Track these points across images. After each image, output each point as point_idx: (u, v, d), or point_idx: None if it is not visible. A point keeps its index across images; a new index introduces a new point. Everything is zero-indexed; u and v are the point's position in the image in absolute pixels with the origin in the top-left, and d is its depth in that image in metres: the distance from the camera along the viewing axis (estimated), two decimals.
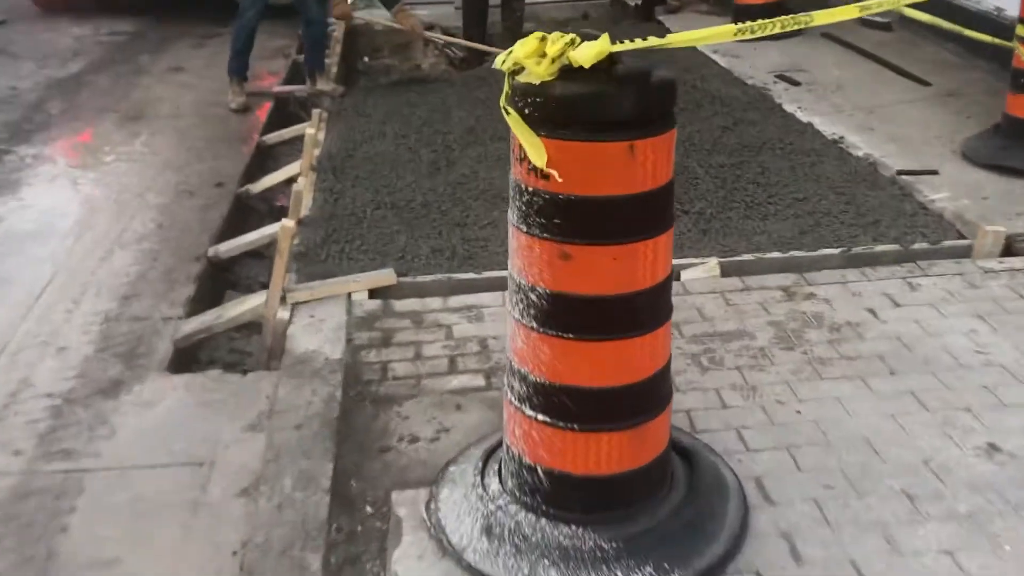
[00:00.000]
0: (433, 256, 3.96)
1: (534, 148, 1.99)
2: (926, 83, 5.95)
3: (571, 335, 2.10)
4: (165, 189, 5.08)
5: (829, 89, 6.07)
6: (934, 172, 4.63)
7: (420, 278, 3.77)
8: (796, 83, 6.23)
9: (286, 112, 6.73)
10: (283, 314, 3.52)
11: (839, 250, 3.88)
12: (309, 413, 2.93)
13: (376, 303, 3.61)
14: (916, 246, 3.89)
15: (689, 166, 4.83)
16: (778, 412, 2.83)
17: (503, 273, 3.94)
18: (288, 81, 7.09)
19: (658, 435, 2.27)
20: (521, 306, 2.17)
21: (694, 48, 7.13)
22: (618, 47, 1.93)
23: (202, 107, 6.50)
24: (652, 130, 2.01)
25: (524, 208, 2.08)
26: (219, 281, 4.34)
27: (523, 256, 2.13)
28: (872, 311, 3.42)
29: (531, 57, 1.98)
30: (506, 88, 2.06)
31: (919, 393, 2.89)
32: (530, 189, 2.05)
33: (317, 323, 3.45)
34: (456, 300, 3.62)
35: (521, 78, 2.01)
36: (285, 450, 2.78)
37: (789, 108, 5.72)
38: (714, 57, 6.95)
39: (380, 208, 4.47)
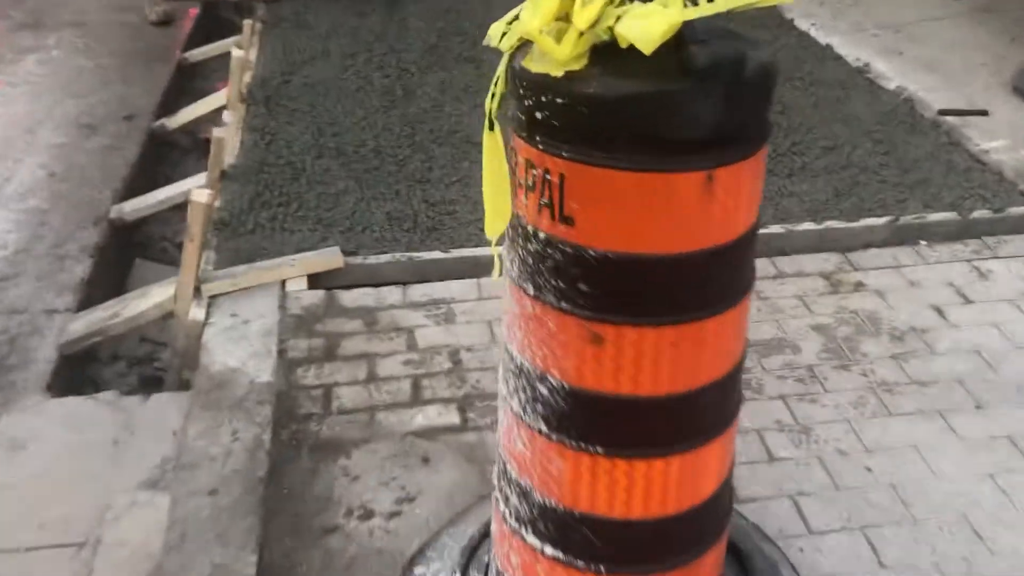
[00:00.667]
0: (390, 225, 3.19)
1: (495, 209, 1.26)
2: None
3: (600, 449, 1.39)
4: (62, 123, 4.19)
5: (846, 2, 5.25)
6: (983, 112, 3.91)
7: (373, 259, 3.01)
8: None
9: (217, 20, 5.76)
10: (197, 312, 2.75)
11: (885, 220, 3.18)
12: (227, 470, 2.21)
13: (318, 295, 2.85)
14: (977, 214, 3.21)
15: None
16: (843, 469, 2.18)
17: (478, 252, 3.09)
18: None
19: (712, 568, 1.60)
20: (522, 397, 1.44)
21: None
22: (695, 11, 1.16)
23: (114, 13, 5.49)
24: (741, 150, 1.26)
25: (532, 263, 1.34)
26: (125, 249, 3.54)
27: (528, 330, 1.39)
28: (938, 310, 2.76)
29: (548, 26, 1.21)
30: (499, 81, 1.30)
31: (1019, 440, 2.25)
32: (542, 236, 1.31)
33: (240, 326, 2.70)
34: (420, 291, 2.88)
35: (528, 63, 1.25)
36: (193, 530, 2.07)
37: (802, 25, 4.92)
38: None
39: (323, 155, 3.66)
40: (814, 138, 3.72)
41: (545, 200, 1.27)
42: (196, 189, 2.76)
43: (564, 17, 1.21)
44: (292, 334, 2.68)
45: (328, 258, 2.95)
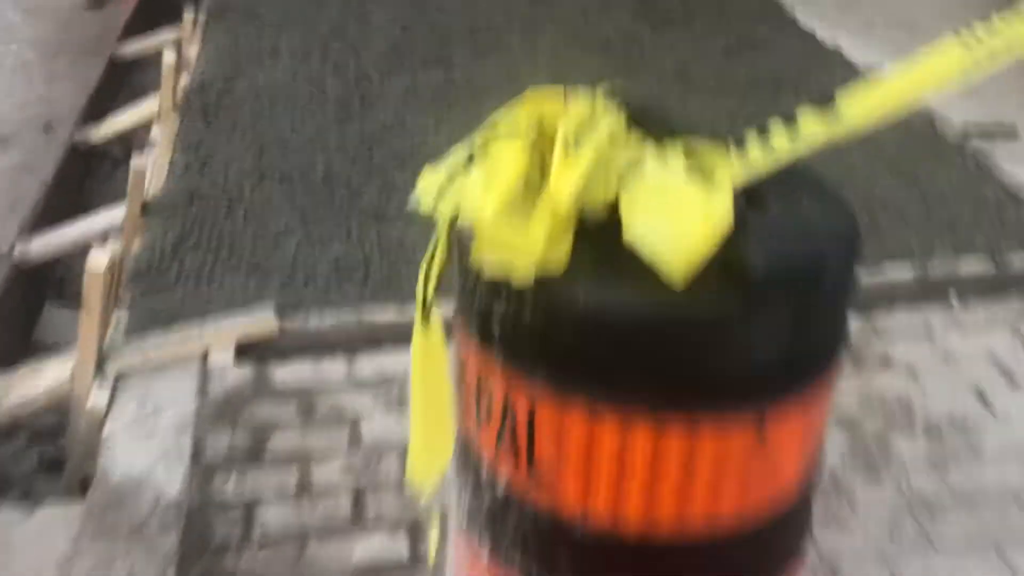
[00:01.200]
0: (337, 275, 2.73)
1: (427, 448, 0.83)
2: None
3: None
4: None
5: None
6: (1011, 131, 3.48)
7: (315, 320, 2.54)
8: None
9: (160, 4, 5.21)
10: (99, 396, 2.29)
11: (912, 271, 2.75)
12: None
13: (245, 372, 2.39)
14: (1018, 265, 2.79)
15: (690, 116, 3.59)
16: None
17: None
18: None
19: None
20: None
21: None
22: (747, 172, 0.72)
23: None
24: (805, 381, 0.81)
25: (495, 533, 0.88)
26: (32, 292, 3.06)
27: None
28: (980, 394, 2.34)
29: (505, 197, 0.76)
30: (437, 252, 0.86)
31: None
32: (515, 501, 0.85)
33: (150, 416, 2.24)
34: (369, 364, 2.43)
35: (483, 242, 0.81)
36: None
37: (806, 22, 4.45)
38: None
39: (265, 182, 3.17)
40: (827, 164, 3.27)
41: (506, 442, 0.83)
42: (94, 253, 2.27)
43: (537, 177, 0.76)
44: (211, 426, 2.22)
45: (260, 323, 2.49)
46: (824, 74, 3.95)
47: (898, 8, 4.57)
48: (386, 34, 4.32)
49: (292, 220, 2.96)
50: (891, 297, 2.71)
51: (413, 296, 2.55)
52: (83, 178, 3.72)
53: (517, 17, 4.44)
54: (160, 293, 2.64)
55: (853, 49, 4.17)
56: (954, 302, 2.67)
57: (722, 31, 4.29)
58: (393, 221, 2.98)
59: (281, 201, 3.06)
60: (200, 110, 3.61)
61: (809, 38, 4.30)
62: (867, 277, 2.71)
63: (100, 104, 4.03)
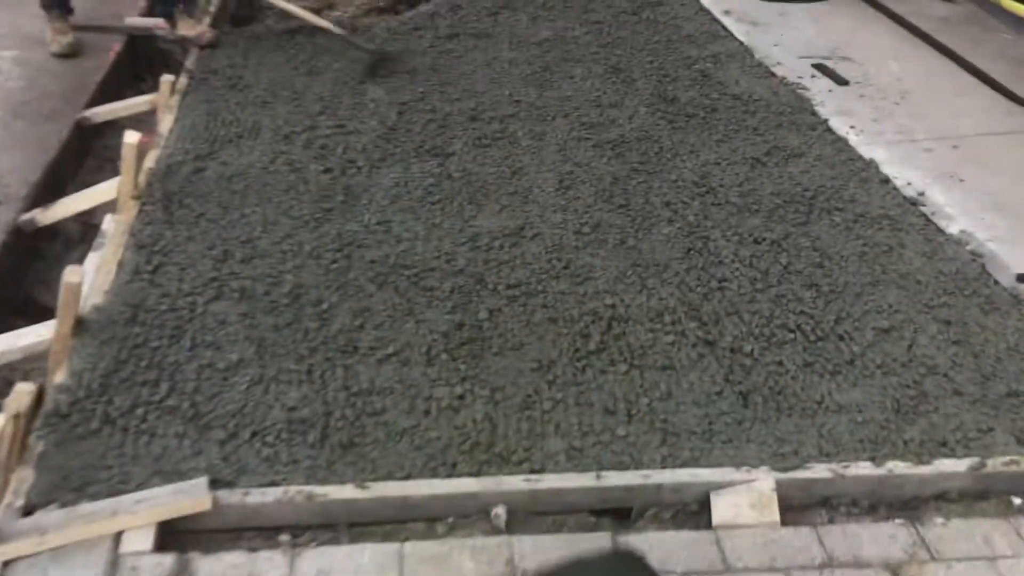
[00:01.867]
0: (289, 432, 2.31)
1: None
2: (1021, 101, 4.34)
3: None
4: None
5: (890, 96, 4.42)
6: None
7: (257, 494, 2.12)
8: (843, 81, 4.55)
9: (145, 60, 4.83)
10: None
11: (966, 463, 2.34)
12: None
13: (165, 563, 1.97)
14: None
15: (710, 236, 3.20)
16: None
17: (409, 490, 2.09)
18: (152, 11, 5.13)
19: None
20: None
21: (695, 1, 5.40)
22: None
23: (6, 40, 4.54)
24: None
25: None
26: None
27: None
28: None
29: None
30: None
31: None
32: None
33: None
34: (313, 559, 2.00)
35: None
36: None
37: (839, 127, 4.07)
38: (727, 22, 5.20)
39: (222, 297, 2.77)
40: (864, 311, 2.88)
41: None
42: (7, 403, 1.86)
43: None
44: None
45: (190, 497, 2.06)
46: (860, 191, 3.56)
47: (938, 118, 4.20)
48: (381, 115, 3.94)
49: (247, 351, 2.55)
50: (943, 493, 2.31)
51: (376, 468, 2.14)
52: (36, 257, 3.31)
53: (525, 106, 4.07)
54: (75, 444, 2.22)
55: (890, 163, 3.79)
56: (1020, 515, 2.26)
57: (749, 136, 3.91)
58: (365, 357, 2.57)
59: (237, 325, 2.65)
60: (162, 199, 3.21)
61: (843, 145, 3.92)
62: (914, 471, 2.30)
63: (58, 178, 3.63)
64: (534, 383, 2.51)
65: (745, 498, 2.22)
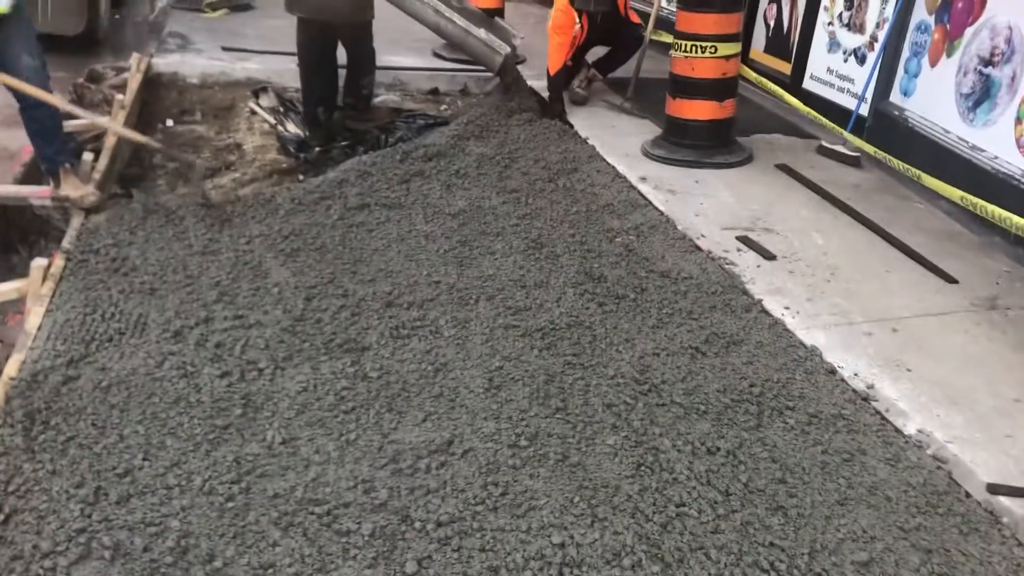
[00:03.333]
0: None
1: None
2: (950, 279, 4.27)
3: None
4: None
5: (819, 272, 4.29)
6: None
7: None
8: (770, 256, 4.42)
9: (18, 230, 4.36)
10: None
11: None
12: None
13: None
14: None
15: (660, 446, 2.88)
16: None
17: None
18: (28, 177, 4.69)
19: None
20: None
21: (610, 167, 5.28)
22: None
23: None
24: None
25: None
26: None
27: None
28: None
29: None
30: None
31: None
32: None
33: None
34: None
35: None
36: None
37: (774, 308, 3.89)
38: (644, 189, 5.08)
39: (88, 557, 2.27)
40: (839, 539, 2.57)
41: None
42: None
43: None
44: None
45: None
46: (808, 385, 3.33)
47: (872, 297, 4.07)
48: (286, 302, 3.55)
49: None
50: None
51: None
52: None
53: (445, 287, 3.75)
54: None
55: (832, 351, 3.60)
56: None
57: (684, 320, 3.68)
58: None
59: None
60: (23, 419, 2.71)
61: (780, 330, 3.72)
62: None
63: None
64: None
65: None
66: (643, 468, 2.80)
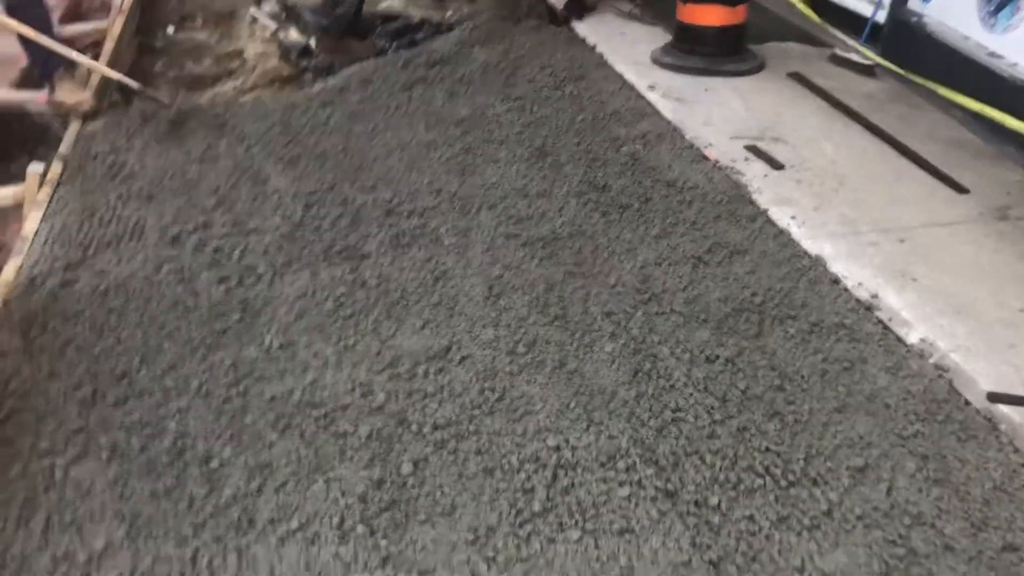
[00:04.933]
0: None
1: None
2: (961, 188, 4.19)
3: None
4: None
5: (827, 182, 4.21)
6: None
7: None
8: (778, 165, 4.33)
9: (17, 135, 4.30)
10: None
11: None
12: None
13: None
14: None
15: (658, 354, 2.87)
16: None
17: None
18: (25, 82, 4.60)
19: None
20: None
21: (617, 75, 5.15)
22: None
23: None
24: None
25: None
26: None
27: None
28: None
29: None
30: None
31: None
32: None
33: None
34: None
35: None
36: None
37: (780, 218, 3.83)
38: (652, 98, 4.96)
39: (86, 456, 2.28)
40: (835, 445, 2.57)
41: None
42: None
43: None
44: None
45: None
46: (811, 294, 3.30)
47: (879, 207, 4.00)
48: (285, 209, 3.51)
49: (115, 533, 2.07)
50: None
51: None
52: None
53: (447, 196, 3.70)
54: None
55: (837, 260, 3.55)
56: None
57: (688, 230, 3.62)
58: (263, 536, 2.12)
59: (105, 495, 2.17)
60: (20, 322, 2.71)
61: (786, 240, 3.66)
62: None
63: None
64: (471, 562, 2.11)
65: None
66: (640, 375, 2.79)
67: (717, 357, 2.89)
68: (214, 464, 2.29)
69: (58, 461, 2.24)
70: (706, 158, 4.30)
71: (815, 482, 2.43)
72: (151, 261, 3.10)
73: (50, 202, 3.40)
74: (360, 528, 2.16)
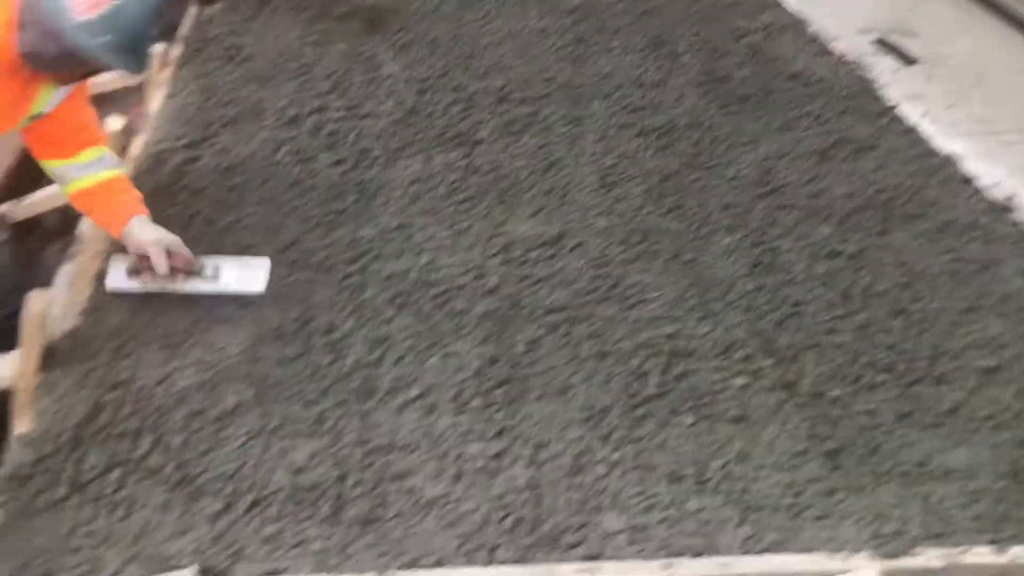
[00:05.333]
0: (296, 499, 1.93)
1: None
2: None
3: None
4: None
5: (963, 79, 3.96)
6: None
7: None
8: (910, 60, 4.09)
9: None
10: None
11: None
12: None
13: None
14: None
15: (778, 248, 2.79)
16: None
17: None
18: None
19: None
20: None
21: None
22: None
23: None
24: None
25: None
26: None
27: None
28: None
29: None
30: None
31: None
32: None
33: None
34: None
35: None
36: None
37: (910, 115, 3.63)
38: None
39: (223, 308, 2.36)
40: (964, 345, 2.47)
41: None
42: None
43: None
44: None
45: None
46: (942, 193, 3.14)
47: (1021, 105, 3.75)
48: (398, 94, 3.50)
49: (245, 394, 2.16)
50: None
51: (401, 550, 1.75)
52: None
53: (559, 85, 3.62)
54: (39, 517, 1.84)
55: (971, 159, 3.36)
56: None
57: (811, 124, 3.47)
58: (385, 402, 2.18)
59: (236, 358, 2.25)
60: (150, 195, 2.79)
61: (915, 138, 3.48)
62: None
63: (34, 163, 3.21)
64: (584, 439, 2.12)
65: None
66: (759, 268, 2.72)
67: (840, 253, 2.79)
68: (336, 335, 2.35)
69: (197, 326, 2.33)
70: (832, 51, 4.09)
71: (940, 381, 2.35)
72: (270, 142, 3.14)
73: (171, 82, 3.47)
74: (476, 401, 2.20)
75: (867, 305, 2.59)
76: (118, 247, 2.43)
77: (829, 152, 3.31)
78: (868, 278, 2.69)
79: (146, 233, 2.33)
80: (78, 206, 2.45)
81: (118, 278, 2.39)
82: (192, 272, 2.38)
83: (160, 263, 2.30)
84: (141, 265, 2.35)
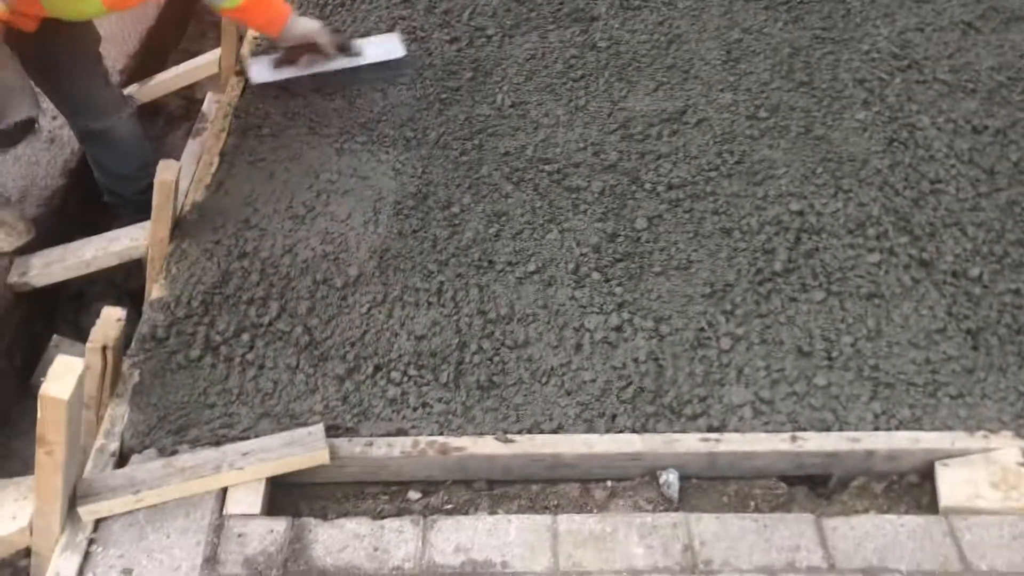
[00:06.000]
0: (418, 368, 1.96)
1: None
2: None
3: None
4: None
5: None
6: None
7: (379, 445, 1.79)
8: None
9: None
10: (67, 561, 1.60)
11: None
12: None
13: (277, 532, 1.67)
14: None
15: (917, 123, 2.61)
16: None
17: (561, 446, 1.74)
18: None
19: None
20: None
21: None
22: None
23: None
24: None
25: None
26: (34, 324, 2.39)
27: None
28: None
29: None
30: None
31: None
32: None
33: None
34: (449, 531, 1.67)
35: None
36: None
37: None
38: None
39: (330, 195, 2.38)
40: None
41: None
42: (58, 365, 1.51)
43: None
44: None
45: (305, 449, 1.74)
46: None
47: None
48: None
49: (367, 265, 2.18)
50: None
51: (521, 416, 1.76)
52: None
53: None
54: (176, 375, 1.92)
55: None
56: None
57: None
58: (503, 275, 2.16)
59: (358, 231, 2.27)
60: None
61: None
62: None
63: (157, 47, 3.27)
64: (707, 313, 2.07)
65: (983, 472, 1.76)
66: (896, 144, 2.55)
67: (986, 128, 2.59)
68: (455, 210, 2.34)
69: (320, 198, 2.36)
70: None
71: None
72: (384, 20, 3.09)
73: None
74: (595, 275, 2.16)
75: (1015, 182, 2.41)
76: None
77: (976, 23, 3.04)
78: (1017, 154, 2.50)
79: (308, 23, 2.64)
80: (235, 18, 2.64)
81: (264, 72, 2.70)
82: (344, 49, 2.70)
83: (330, 40, 2.64)
84: (293, 55, 2.67)
